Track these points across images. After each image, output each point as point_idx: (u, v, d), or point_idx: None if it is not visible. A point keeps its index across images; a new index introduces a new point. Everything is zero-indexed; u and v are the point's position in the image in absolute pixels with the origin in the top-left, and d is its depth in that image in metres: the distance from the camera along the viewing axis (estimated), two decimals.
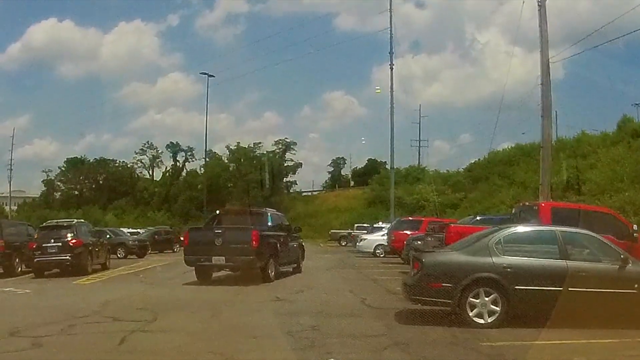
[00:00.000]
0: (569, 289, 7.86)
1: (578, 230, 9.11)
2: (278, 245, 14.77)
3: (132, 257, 26.79)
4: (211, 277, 14.76)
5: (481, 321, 7.96)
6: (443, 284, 8.09)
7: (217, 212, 17.23)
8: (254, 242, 13.50)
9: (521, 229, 9.19)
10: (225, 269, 14.91)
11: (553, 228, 8.99)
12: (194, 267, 14.61)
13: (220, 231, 14.09)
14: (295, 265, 16.64)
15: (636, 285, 7.96)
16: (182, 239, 20.52)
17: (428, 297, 8.28)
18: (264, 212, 16.46)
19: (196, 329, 8.23)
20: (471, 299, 8.00)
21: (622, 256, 8.21)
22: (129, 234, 30.61)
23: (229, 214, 17.52)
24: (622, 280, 8.03)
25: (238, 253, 13.56)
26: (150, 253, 29.12)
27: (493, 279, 8.00)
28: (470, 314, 7.99)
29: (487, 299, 8.00)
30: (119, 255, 26.11)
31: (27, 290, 13.38)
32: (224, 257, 13.73)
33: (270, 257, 14.15)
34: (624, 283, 8.00)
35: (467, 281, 8.01)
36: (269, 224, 15.50)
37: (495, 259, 8.10)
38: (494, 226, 9.84)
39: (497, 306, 7.98)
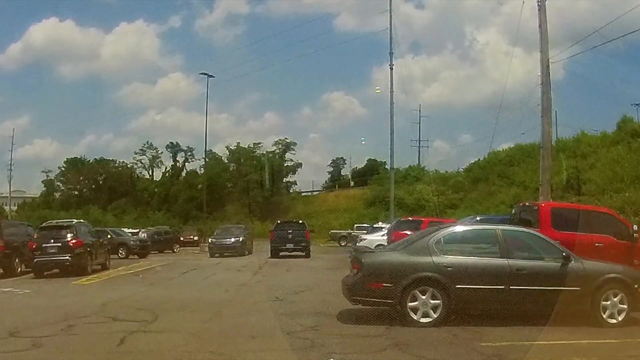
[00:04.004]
0: (511, 287, 7.93)
1: (519, 228, 9.18)
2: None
3: (133, 257, 26.72)
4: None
5: (422, 320, 7.98)
6: (383, 284, 8.10)
7: (279, 221, 29.00)
8: (307, 236, 26.67)
9: (460, 228, 9.23)
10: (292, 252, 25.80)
11: (494, 227, 9.04)
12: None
13: (290, 231, 26.30)
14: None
15: (580, 284, 7.99)
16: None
17: (368, 297, 8.28)
18: (304, 222, 28.81)
19: (196, 329, 8.22)
20: (412, 298, 8.02)
21: (564, 254, 8.24)
22: (130, 234, 30.58)
23: (287, 222, 28.61)
24: (565, 278, 8.05)
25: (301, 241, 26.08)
26: (150, 253, 29.05)
27: (434, 278, 8.01)
28: (411, 313, 8.00)
29: (428, 298, 8.01)
30: (120, 256, 26.10)
31: (27, 291, 13.37)
32: (292, 244, 25.95)
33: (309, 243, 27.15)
34: (567, 281, 8.03)
35: (407, 281, 8.02)
36: (306, 226, 27.72)
37: (435, 258, 8.13)
38: (434, 226, 9.87)
39: (437, 305, 7.99)
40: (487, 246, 8.40)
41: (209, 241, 29.71)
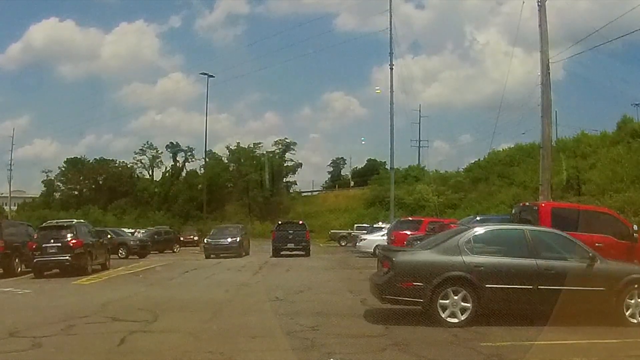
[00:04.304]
0: (539, 287, 7.96)
1: (546, 229, 9.24)
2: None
3: (133, 257, 26.71)
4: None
5: (453, 320, 7.99)
6: (414, 283, 8.10)
7: (280, 222, 30.17)
8: (307, 236, 27.52)
9: (490, 228, 9.23)
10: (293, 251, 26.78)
11: (522, 227, 9.08)
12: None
13: (291, 231, 27.24)
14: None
15: (605, 285, 8.06)
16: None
17: (399, 297, 8.27)
18: (304, 222, 29.50)
19: (196, 329, 8.22)
20: (442, 298, 8.03)
21: (590, 254, 8.30)
22: (130, 234, 30.57)
23: (288, 223, 29.65)
24: (591, 278, 8.13)
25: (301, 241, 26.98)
26: (150, 253, 29.04)
27: (464, 277, 8.04)
28: (441, 313, 8.01)
29: (457, 297, 8.03)
30: (120, 255, 26.10)
31: (27, 291, 13.37)
32: (293, 244, 26.85)
33: (309, 243, 28.01)
34: (592, 281, 8.10)
35: (438, 280, 8.03)
36: (307, 227, 28.51)
37: (465, 258, 8.15)
38: (461, 225, 9.88)
39: (468, 304, 8.01)
40: (516, 246, 8.43)
41: (204, 242, 28.55)
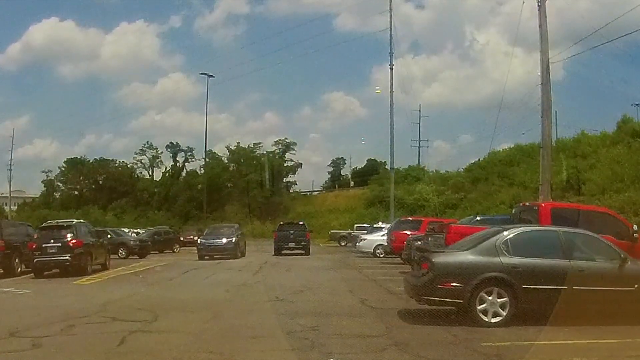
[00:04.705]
0: (573, 287, 8.03)
1: (579, 230, 9.27)
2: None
3: (133, 257, 26.69)
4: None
5: (492, 320, 8.06)
6: (453, 284, 8.16)
7: (281, 222, 31.85)
8: (307, 236, 28.60)
9: (525, 229, 9.27)
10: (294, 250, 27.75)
11: (556, 228, 9.16)
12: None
13: (292, 231, 28.33)
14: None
15: (635, 284, 8.17)
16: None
17: (438, 297, 8.33)
18: (305, 223, 30.71)
19: (196, 329, 8.23)
20: (480, 298, 8.09)
21: (621, 255, 8.45)
22: (130, 234, 30.54)
23: (289, 223, 30.97)
24: (622, 278, 8.26)
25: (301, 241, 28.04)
26: (150, 253, 29.02)
27: (502, 278, 8.12)
28: (480, 314, 8.08)
29: (496, 298, 8.10)
30: (120, 256, 26.08)
31: (27, 291, 13.36)
32: (294, 243, 27.84)
33: (309, 242, 29.07)
34: (624, 281, 8.23)
35: (476, 281, 8.10)
36: (307, 228, 29.77)
37: (503, 259, 8.24)
38: (495, 226, 9.87)
39: (505, 305, 8.09)
40: (550, 247, 8.53)
41: (198, 242, 27.04)
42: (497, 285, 8.11)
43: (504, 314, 8.07)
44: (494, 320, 8.07)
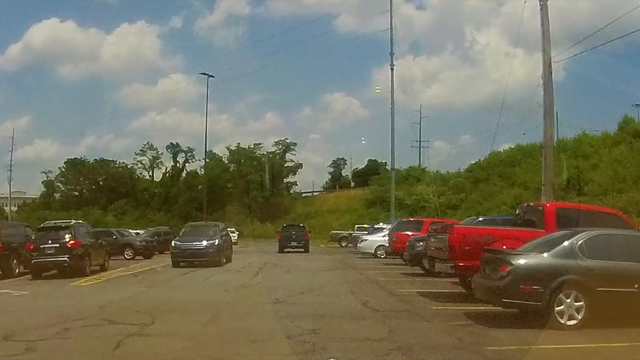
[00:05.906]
0: None
1: None
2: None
3: (139, 257, 26.47)
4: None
5: (568, 322, 8.00)
6: (533, 287, 8.09)
7: (284, 225, 36.87)
8: (307, 236, 33.58)
9: (600, 232, 9.18)
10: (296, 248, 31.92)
11: (630, 232, 9.36)
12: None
13: (294, 232, 33.33)
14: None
15: None
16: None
17: (518, 300, 8.23)
18: (304, 225, 36.71)
19: (194, 332, 8.06)
20: (558, 301, 8.03)
21: None
22: (134, 235, 30.33)
23: (291, 225, 36.39)
24: None
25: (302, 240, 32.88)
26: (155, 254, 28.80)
27: (579, 281, 8.09)
28: (557, 316, 8.01)
29: (572, 301, 8.05)
30: (126, 256, 25.98)
31: (24, 292, 13.19)
32: (295, 242, 32.53)
33: (308, 241, 33.80)
34: None
35: (555, 283, 8.05)
36: (306, 229, 35.09)
37: (580, 262, 8.22)
38: (570, 229, 9.69)
39: (581, 308, 8.04)
40: (625, 250, 8.55)
41: (172, 244, 21.84)
42: (574, 288, 8.07)
43: (579, 317, 8.02)
44: (569, 323, 8.01)
